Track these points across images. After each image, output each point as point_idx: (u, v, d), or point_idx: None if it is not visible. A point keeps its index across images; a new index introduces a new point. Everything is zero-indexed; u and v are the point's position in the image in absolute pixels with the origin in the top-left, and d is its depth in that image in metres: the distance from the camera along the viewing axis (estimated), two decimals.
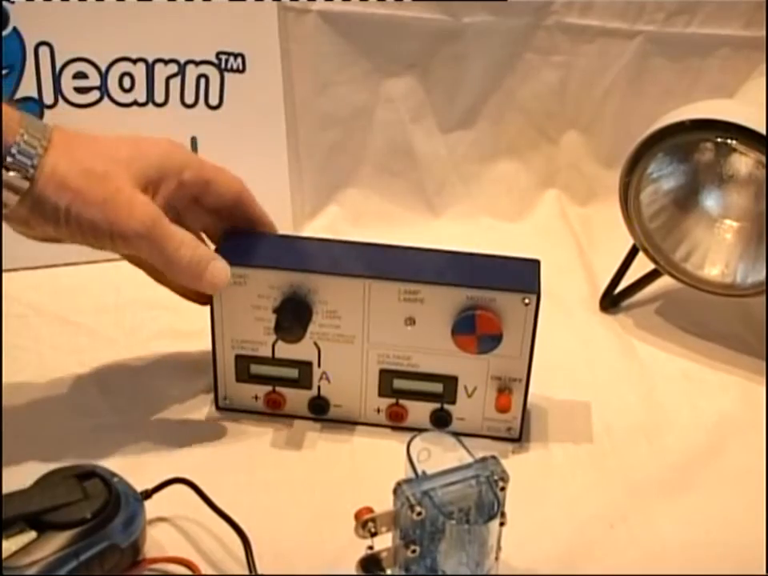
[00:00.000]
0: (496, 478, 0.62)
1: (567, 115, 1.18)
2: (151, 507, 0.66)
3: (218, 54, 1.04)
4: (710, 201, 0.94)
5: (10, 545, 0.59)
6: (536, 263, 0.76)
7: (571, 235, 1.13)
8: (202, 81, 1.04)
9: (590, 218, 1.16)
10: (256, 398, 0.79)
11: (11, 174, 0.64)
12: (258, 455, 0.77)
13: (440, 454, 0.65)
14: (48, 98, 1.01)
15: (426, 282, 0.73)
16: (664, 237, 0.93)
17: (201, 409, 0.81)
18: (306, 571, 0.67)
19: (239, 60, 1.04)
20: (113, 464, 0.68)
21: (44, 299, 0.96)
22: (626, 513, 0.74)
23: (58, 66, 1.00)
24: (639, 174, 0.89)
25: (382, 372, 0.77)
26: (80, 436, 0.77)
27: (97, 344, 0.89)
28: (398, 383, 0.77)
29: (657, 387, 0.89)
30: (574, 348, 0.94)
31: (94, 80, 1.01)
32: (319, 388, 0.78)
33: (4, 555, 0.58)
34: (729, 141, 0.84)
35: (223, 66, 1.04)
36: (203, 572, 0.65)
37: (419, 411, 0.78)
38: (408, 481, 0.61)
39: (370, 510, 0.61)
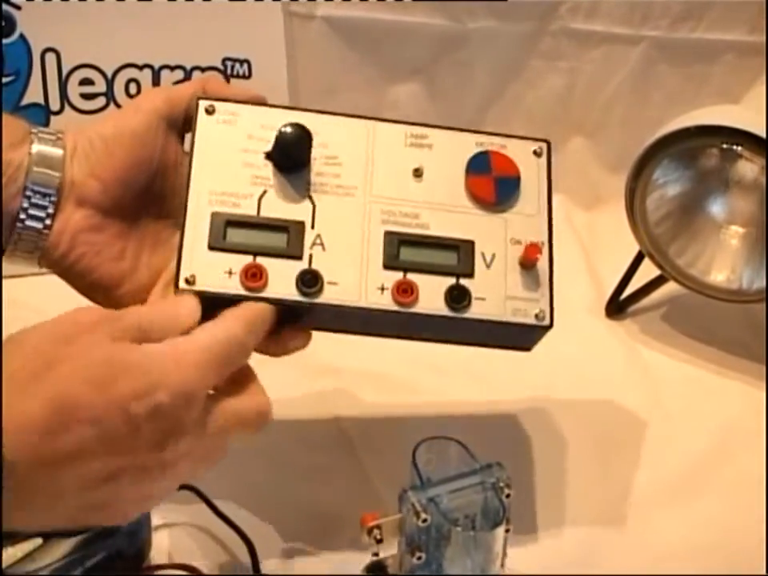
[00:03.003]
0: (501, 484, 0.62)
1: (573, 120, 1.18)
2: (156, 514, 0.67)
3: (223, 60, 1.04)
4: (716, 206, 0.94)
5: (16, 551, 0.59)
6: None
7: (577, 241, 1.13)
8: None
9: (595, 223, 1.16)
10: (230, 273, 0.62)
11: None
12: (262, 461, 0.77)
13: (445, 460, 0.65)
14: (54, 105, 1.01)
15: (433, 125, 0.68)
16: (670, 242, 0.93)
17: None
18: None
19: (245, 66, 1.05)
20: None
21: (50, 305, 0.95)
22: (632, 518, 0.74)
23: (65, 72, 1.00)
24: (645, 179, 0.89)
25: (388, 235, 0.65)
26: None
27: None
28: (406, 252, 0.65)
29: (662, 393, 0.89)
30: (579, 354, 0.94)
31: (101, 86, 1.02)
32: (311, 258, 0.64)
33: (10, 562, 0.58)
34: (734, 147, 0.84)
35: (229, 71, 1.04)
36: None
37: (432, 290, 0.64)
38: (413, 487, 0.62)
39: (376, 517, 0.61)
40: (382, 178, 0.66)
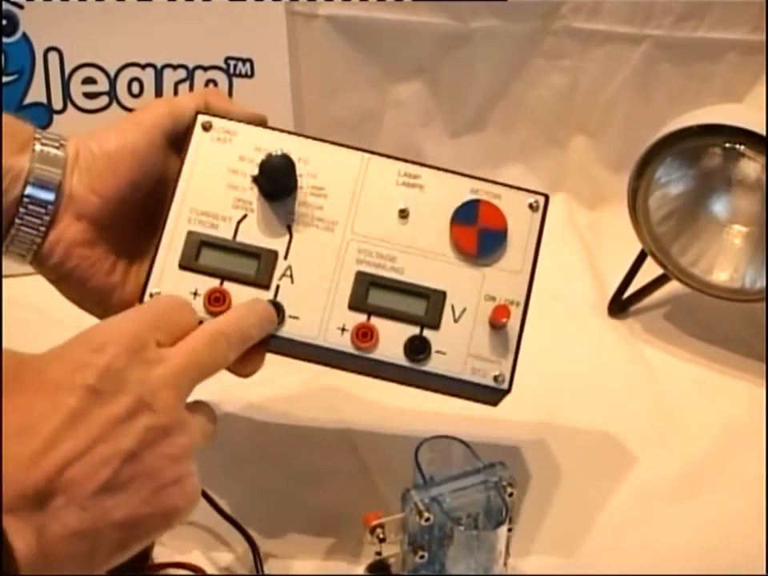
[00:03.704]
0: (504, 483, 0.62)
1: (575, 120, 1.18)
2: None
3: (226, 59, 1.04)
4: (719, 206, 0.94)
5: None
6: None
7: (579, 240, 1.13)
8: (211, 86, 1.04)
9: (598, 222, 1.16)
10: (195, 294, 0.63)
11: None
12: (265, 461, 0.77)
13: (448, 460, 0.65)
14: (57, 104, 1.01)
15: (430, 166, 0.66)
16: (672, 241, 0.93)
17: None
18: None
19: (248, 65, 1.05)
20: None
21: (53, 304, 0.96)
22: (634, 518, 0.74)
23: (67, 71, 1.00)
24: (648, 178, 0.89)
25: (359, 275, 0.64)
26: None
27: None
28: (375, 295, 0.64)
29: (665, 392, 0.89)
30: (582, 353, 0.94)
31: (103, 85, 1.02)
32: (278, 289, 0.63)
33: None
34: (737, 146, 0.84)
35: (232, 71, 1.04)
36: None
37: (392, 337, 0.64)
38: (416, 487, 0.62)
39: (378, 516, 0.61)
40: (366, 215, 0.65)
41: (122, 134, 0.65)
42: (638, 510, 0.74)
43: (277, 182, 0.64)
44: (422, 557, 0.61)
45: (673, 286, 0.96)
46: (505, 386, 0.64)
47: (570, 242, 1.13)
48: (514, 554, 0.63)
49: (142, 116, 0.66)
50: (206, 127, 0.65)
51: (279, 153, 0.64)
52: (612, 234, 1.11)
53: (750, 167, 0.90)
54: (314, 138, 0.66)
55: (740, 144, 0.84)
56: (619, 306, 1.00)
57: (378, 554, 0.62)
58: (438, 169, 0.66)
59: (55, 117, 1.01)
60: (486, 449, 0.66)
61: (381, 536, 0.61)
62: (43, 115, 1.00)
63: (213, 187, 0.65)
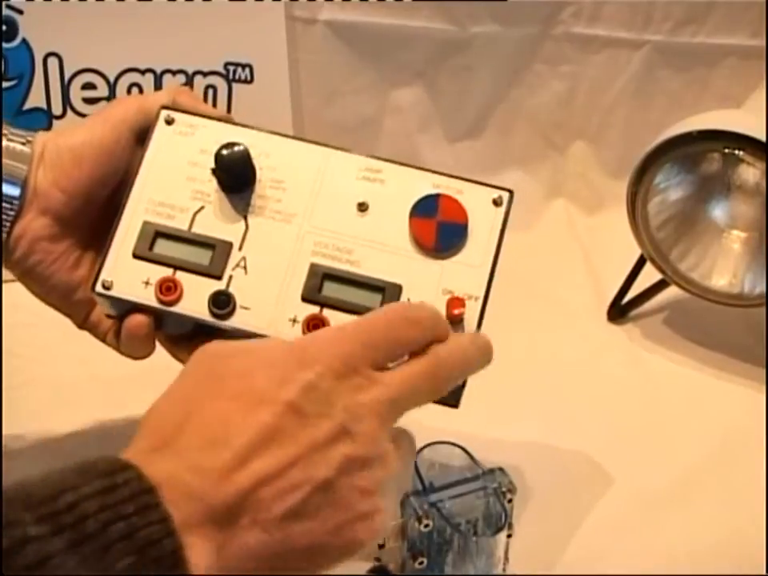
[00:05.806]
0: (503, 489, 0.62)
1: (574, 125, 1.18)
2: None
3: (226, 65, 1.04)
4: (718, 211, 0.94)
5: None
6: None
7: (578, 245, 1.13)
8: (210, 91, 1.05)
9: (597, 227, 1.16)
10: (147, 283, 0.63)
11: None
12: None
13: (447, 465, 0.65)
14: (56, 109, 1.01)
15: (392, 161, 0.66)
16: (671, 247, 0.93)
17: None
18: None
19: (247, 70, 1.05)
20: None
21: (51, 309, 0.96)
22: (633, 523, 0.74)
23: (67, 76, 1.00)
24: (647, 184, 0.89)
25: (313, 267, 0.63)
26: (89, 447, 0.77)
27: (106, 354, 0.89)
28: (329, 288, 0.63)
29: (663, 396, 0.89)
30: (581, 357, 0.94)
31: (103, 91, 1.02)
32: (230, 279, 0.63)
33: None
34: (736, 151, 0.84)
35: (231, 76, 1.05)
36: None
37: None
38: (416, 492, 0.62)
39: None
40: (324, 208, 0.64)
41: (88, 130, 0.65)
42: (636, 515, 0.74)
43: (233, 173, 0.64)
44: (421, 562, 0.61)
45: (672, 291, 0.96)
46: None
47: (569, 247, 1.13)
48: (512, 560, 0.63)
49: (110, 112, 0.66)
50: (169, 121, 0.65)
51: (235, 144, 0.64)
52: (611, 239, 1.11)
53: (749, 173, 0.91)
54: (277, 134, 0.66)
55: (739, 150, 0.84)
56: (618, 311, 1.00)
57: (378, 559, 0.62)
58: (400, 164, 0.66)
59: (55, 122, 1.01)
60: (485, 454, 0.66)
61: (380, 542, 0.61)
62: (43, 120, 1.00)
63: (172, 179, 0.65)
